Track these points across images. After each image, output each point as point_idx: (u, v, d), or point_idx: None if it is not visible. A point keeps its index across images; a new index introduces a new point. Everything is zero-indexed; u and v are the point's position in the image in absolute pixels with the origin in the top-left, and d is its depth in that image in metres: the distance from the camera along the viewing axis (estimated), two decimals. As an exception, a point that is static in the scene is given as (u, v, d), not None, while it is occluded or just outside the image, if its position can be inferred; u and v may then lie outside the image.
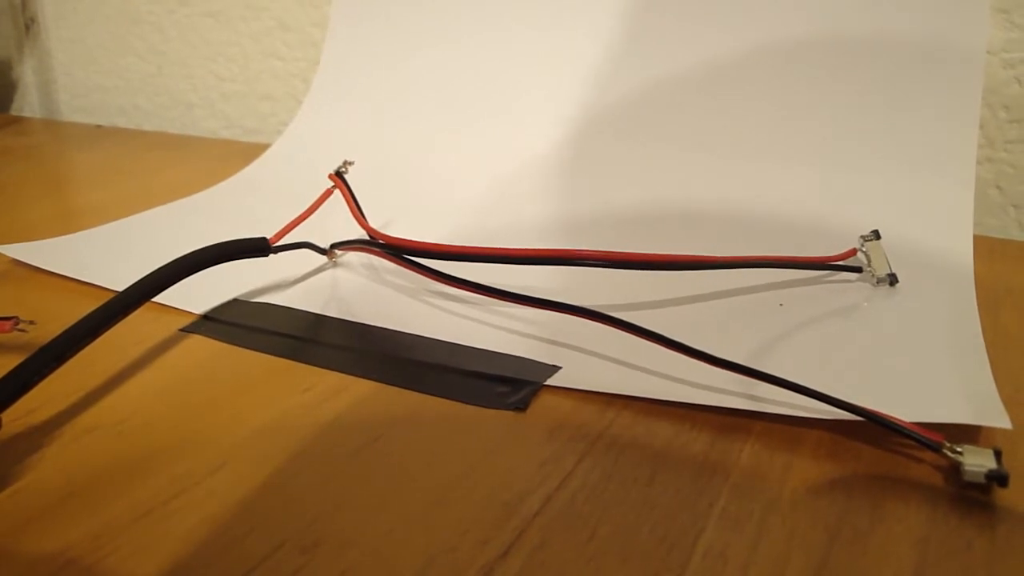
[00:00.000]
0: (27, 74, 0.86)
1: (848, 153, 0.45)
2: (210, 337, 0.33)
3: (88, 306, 0.29)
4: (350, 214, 0.39)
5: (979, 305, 0.34)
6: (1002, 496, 0.23)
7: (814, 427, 0.26)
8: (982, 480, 0.23)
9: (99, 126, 0.79)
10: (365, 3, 0.60)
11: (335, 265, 0.40)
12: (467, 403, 0.28)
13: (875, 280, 0.36)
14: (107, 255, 0.41)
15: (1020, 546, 0.21)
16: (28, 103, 0.87)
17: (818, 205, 0.43)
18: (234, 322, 0.34)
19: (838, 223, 0.41)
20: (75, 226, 0.46)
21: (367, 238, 0.37)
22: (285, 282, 0.38)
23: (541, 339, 0.32)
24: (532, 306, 0.31)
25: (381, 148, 0.55)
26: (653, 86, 0.50)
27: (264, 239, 0.36)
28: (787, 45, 0.47)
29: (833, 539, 0.22)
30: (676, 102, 0.49)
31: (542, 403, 0.28)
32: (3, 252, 0.41)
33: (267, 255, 0.36)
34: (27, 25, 0.84)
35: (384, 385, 0.29)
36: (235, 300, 0.36)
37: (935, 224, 0.41)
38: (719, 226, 0.43)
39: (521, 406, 0.27)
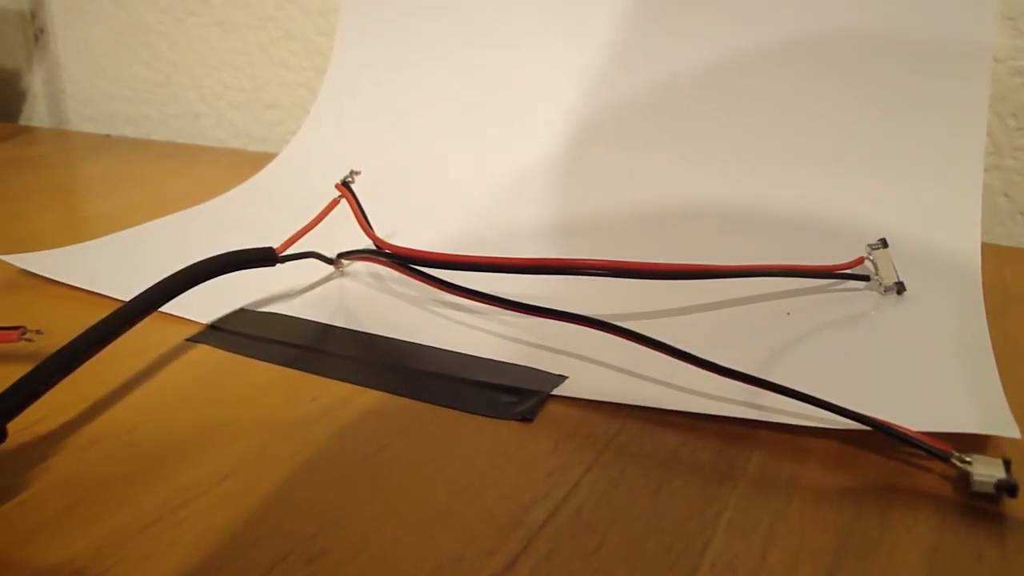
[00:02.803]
0: (36, 84, 0.87)
1: (854, 161, 0.45)
2: (217, 347, 0.33)
3: (95, 316, 0.29)
4: (357, 224, 0.39)
5: (988, 313, 0.34)
6: (1012, 506, 0.23)
7: (821, 437, 0.26)
8: (991, 490, 0.23)
9: (107, 136, 0.79)
10: (372, 13, 0.60)
11: (342, 275, 0.40)
12: (473, 413, 0.28)
13: (883, 288, 0.36)
14: (114, 265, 0.41)
15: (1030, 557, 0.21)
16: (37, 113, 0.88)
17: (825, 213, 0.43)
18: (241, 332, 0.34)
19: (845, 231, 0.41)
20: (83, 236, 0.46)
21: (374, 248, 0.37)
22: (292, 292, 0.38)
23: (547, 349, 0.32)
24: (538, 316, 0.31)
25: (388, 157, 0.55)
26: (659, 92, 0.50)
27: (271, 249, 0.36)
28: (792, 52, 0.47)
29: (841, 549, 0.21)
30: (681, 109, 0.49)
31: (549, 413, 0.28)
32: (11, 262, 0.41)
33: (274, 265, 0.36)
34: (36, 35, 0.85)
35: (391, 395, 0.29)
36: (242, 310, 0.36)
37: (943, 232, 0.41)
38: (724, 234, 0.43)
39: (528, 416, 0.27)
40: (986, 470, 0.23)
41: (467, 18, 0.57)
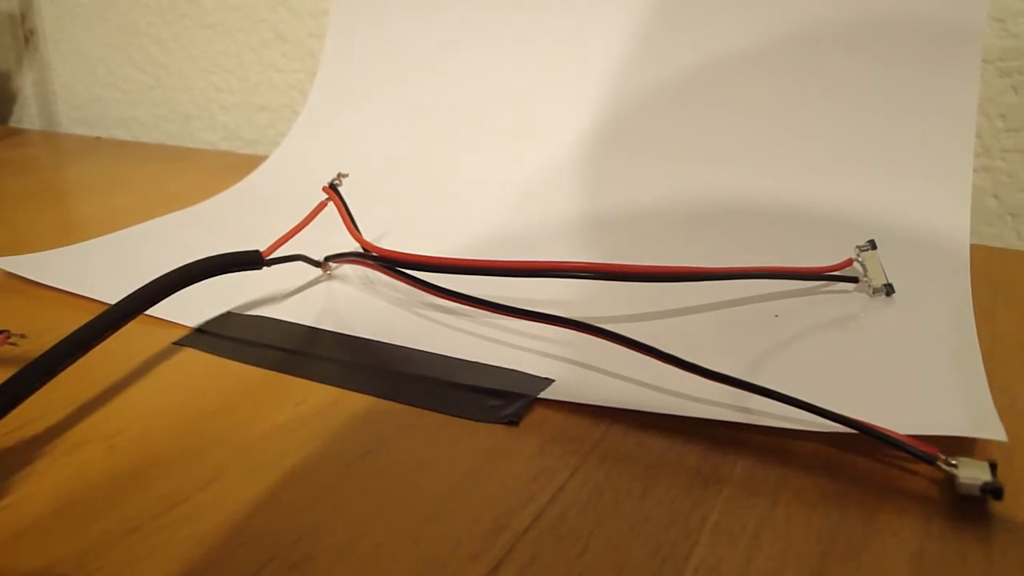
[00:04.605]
0: (26, 86, 0.87)
1: (843, 163, 0.45)
2: (203, 350, 0.33)
3: (82, 319, 0.29)
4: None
5: (976, 315, 0.34)
6: (997, 509, 0.23)
7: (808, 440, 0.26)
8: (977, 493, 0.23)
9: (98, 138, 0.79)
10: (362, 14, 0.60)
11: (329, 278, 0.40)
12: (459, 416, 0.28)
13: (871, 290, 0.36)
14: (102, 268, 0.41)
15: (1015, 559, 0.21)
16: (27, 115, 0.88)
17: (813, 215, 0.43)
18: (227, 335, 0.34)
19: (834, 233, 0.41)
20: (73, 238, 0.46)
21: (361, 251, 0.37)
22: (279, 295, 0.38)
23: (534, 352, 0.32)
24: (525, 319, 0.31)
25: (378, 159, 0.55)
26: (645, 95, 0.50)
27: (257, 252, 0.36)
28: (782, 56, 0.47)
29: (827, 553, 0.21)
30: (666, 111, 0.49)
31: (534, 416, 0.28)
32: (-2, 265, 0.41)
33: (260, 268, 0.36)
34: (27, 37, 0.85)
35: (377, 398, 0.29)
36: (229, 313, 0.36)
37: (932, 234, 0.41)
38: (713, 236, 0.43)
39: (514, 419, 0.27)
40: (972, 473, 0.23)
41: (457, 20, 0.57)
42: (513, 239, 0.44)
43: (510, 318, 0.32)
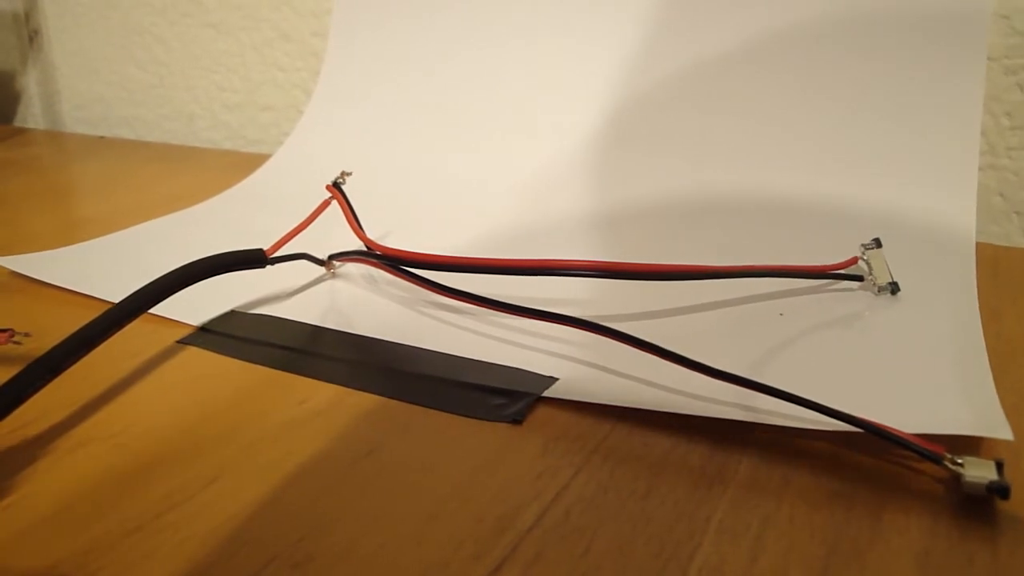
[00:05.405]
0: (30, 86, 0.87)
1: (849, 161, 0.45)
2: (207, 349, 0.33)
3: (85, 318, 0.28)
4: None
5: (982, 314, 0.34)
6: (1004, 508, 0.23)
7: (813, 439, 0.26)
8: (983, 492, 0.22)
9: (102, 137, 0.79)
10: (364, 13, 0.60)
11: (333, 276, 0.40)
12: (463, 415, 0.28)
13: (876, 289, 0.36)
14: (106, 267, 0.41)
15: (1022, 559, 0.21)
16: (32, 114, 0.88)
17: (818, 213, 0.43)
18: (231, 334, 0.34)
19: (839, 231, 0.41)
20: (76, 237, 0.46)
21: (365, 249, 0.37)
22: (283, 293, 0.37)
23: (538, 350, 0.32)
24: (528, 317, 0.31)
25: (382, 158, 0.55)
26: (651, 94, 0.50)
27: (261, 251, 0.36)
28: (787, 54, 0.47)
29: (832, 553, 0.21)
30: (674, 111, 0.49)
31: (538, 415, 0.28)
32: (1, 264, 0.41)
33: (264, 266, 0.36)
34: (31, 37, 0.85)
35: (380, 397, 0.29)
36: (232, 312, 0.36)
37: (937, 232, 0.41)
38: (716, 235, 0.43)
39: (517, 418, 0.27)
40: (978, 472, 0.23)
41: (460, 18, 0.57)
42: (516, 238, 0.44)
43: (514, 316, 0.32)
